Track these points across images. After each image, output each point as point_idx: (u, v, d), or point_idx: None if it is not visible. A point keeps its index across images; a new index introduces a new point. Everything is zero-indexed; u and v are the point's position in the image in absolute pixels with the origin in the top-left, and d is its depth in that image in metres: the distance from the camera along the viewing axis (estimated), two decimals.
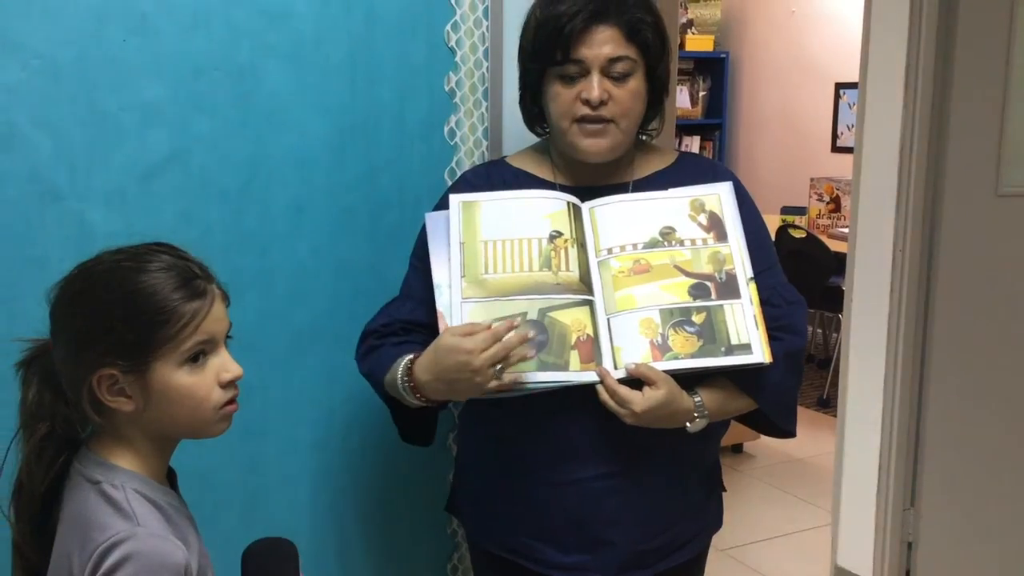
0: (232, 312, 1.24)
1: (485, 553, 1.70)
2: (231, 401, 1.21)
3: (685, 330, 1.50)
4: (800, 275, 5.26)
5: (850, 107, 6.03)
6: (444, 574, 2.05)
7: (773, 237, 5.29)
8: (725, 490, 1.78)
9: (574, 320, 1.51)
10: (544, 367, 1.47)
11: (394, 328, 1.61)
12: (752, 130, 6.94)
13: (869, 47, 2.64)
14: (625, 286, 1.53)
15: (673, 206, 1.59)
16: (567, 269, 1.54)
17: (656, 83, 1.61)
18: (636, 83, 1.57)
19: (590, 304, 1.53)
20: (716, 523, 1.75)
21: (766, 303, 1.57)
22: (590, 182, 1.64)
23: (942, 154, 2.60)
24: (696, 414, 1.52)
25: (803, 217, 5.65)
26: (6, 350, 1.23)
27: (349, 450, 1.90)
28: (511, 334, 1.43)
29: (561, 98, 1.57)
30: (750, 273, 1.54)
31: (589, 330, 1.51)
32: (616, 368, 1.49)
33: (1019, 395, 2.74)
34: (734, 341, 1.49)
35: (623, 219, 1.58)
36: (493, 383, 1.44)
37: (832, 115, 6.28)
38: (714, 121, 6.98)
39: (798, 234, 5.16)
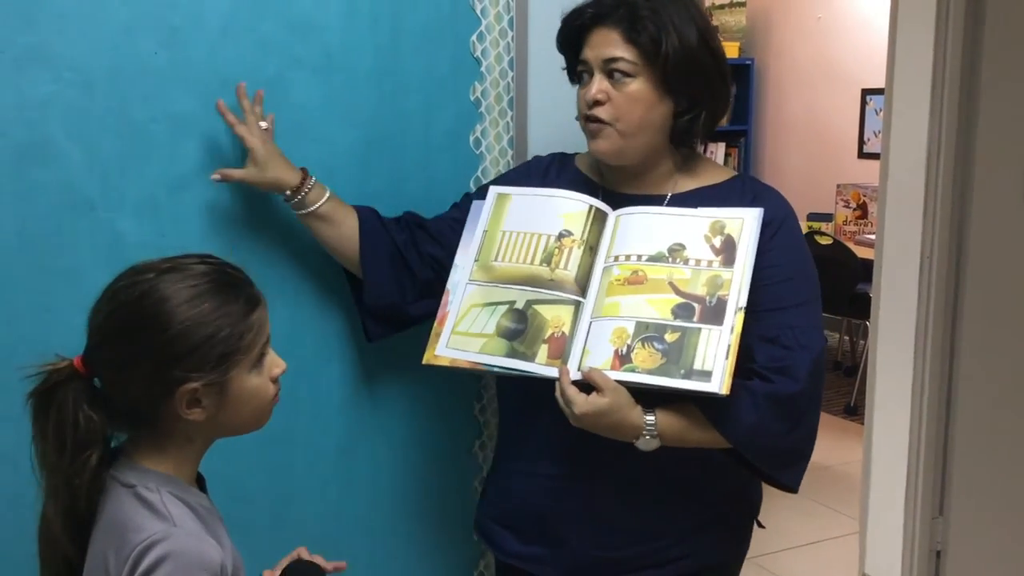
0: None
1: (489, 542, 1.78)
2: (277, 393, 1.27)
3: (653, 346, 1.48)
4: (827, 282, 5.21)
5: (876, 113, 6.00)
6: None
7: None
8: (763, 526, 1.73)
9: (554, 316, 1.54)
10: (512, 354, 1.52)
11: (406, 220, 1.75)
12: (778, 136, 6.92)
13: (895, 52, 2.63)
14: (615, 293, 1.54)
15: (693, 224, 1.57)
16: (564, 268, 1.57)
17: (678, 91, 1.56)
18: (638, 86, 1.55)
19: (577, 304, 1.55)
20: (716, 554, 1.68)
21: (774, 342, 1.52)
22: (632, 190, 1.65)
23: (970, 160, 2.59)
24: (646, 432, 1.48)
25: (830, 224, 5.63)
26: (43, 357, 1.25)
27: (376, 456, 1.91)
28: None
29: (577, 97, 1.62)
30: (743, 303, 1.48)
31: (565, 328, 1.53)
32: (579, 369, 1.50)
33: None
34: (696, 366, 1.45)
35: (641, 230, 1.58)
36: (462, 361, 1.52)
37: (859, 121, 6.25)
38: (739, 128, 6.96)
39: (825, 241, 5.14)
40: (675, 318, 1.50)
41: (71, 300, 1.57)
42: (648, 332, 1.49)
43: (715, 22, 6.84)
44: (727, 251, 1.53)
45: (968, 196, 2.60)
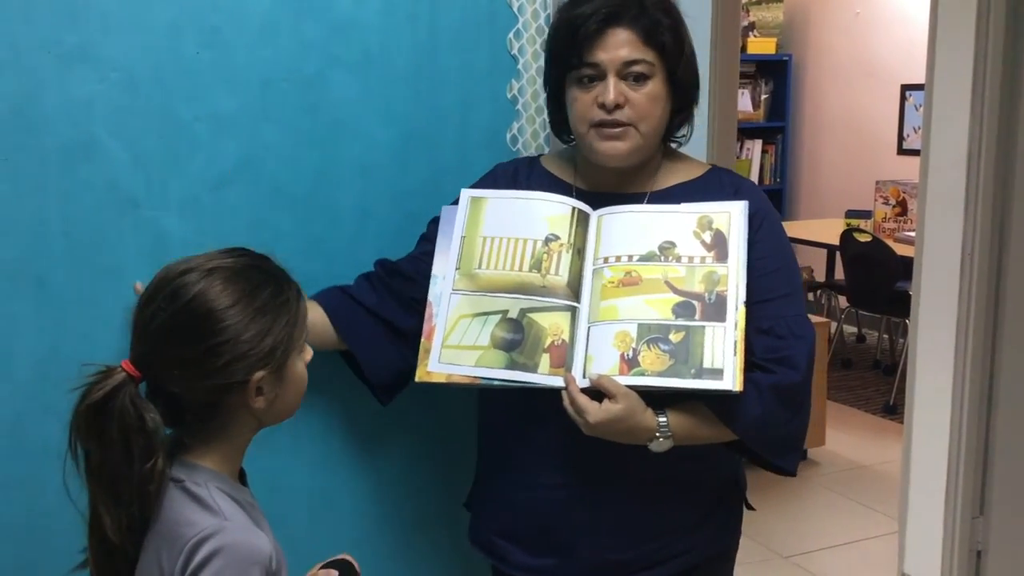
0: None
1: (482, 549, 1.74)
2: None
3: (659, 347, 1.47)
4: (866, 279, 5.21)
5: (916, 109, 5.94)
6: None
7: (837, 241, 5.23)
8: (752, 508, 1.74)
9: (552, 324, 1.51)
10: (513, 366, 1.49)
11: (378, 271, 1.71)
12: (816, 133, 6.87)
13: (935, 48, 2.60)
14: (611, 297, 1.52)
15: (680, 221, 1.55)
16: (556, 273, 1.54)
17: (679, 87, 1.59)
18: (654, 86, 1.55)
19: (573, 310, 1.53)
20: (717, 543, 1.68)
21: (769, 333, 1.53)
22: (609, 189, 1.63)
23: (1011, 155, 2.56)
24: (659, 434, 1.48)
25: (868, 221, 5.58)
26: (88, 354, 1.27)
27: (409, 450, 1.92)
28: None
29: (579, 102, 1.57)
30: (743, 298, 1.48)
31: (565, 335, 1.51)
32: (584, 376, 1.48)
33: None
34: (706, 365, 1.44)
35: (627, 230, 1.56)
36: (459, 376, 1.50)
37: (898, 117, 6.20)
38: (776, 124, 6.91)
39: (863, 238, 5.09)
40: (677, 317, 1.48)
41: (116, 297, 1.60)
42: (652, 334, 1.48)
43: (752, 18, 6.80)
44: (719, 246, 1.53)
45: (1010, 192, 2.57)
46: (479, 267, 1.56)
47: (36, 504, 1.59)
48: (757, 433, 1.53)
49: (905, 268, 4.18)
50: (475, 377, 1.51)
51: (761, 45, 6.76)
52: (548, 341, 1.50)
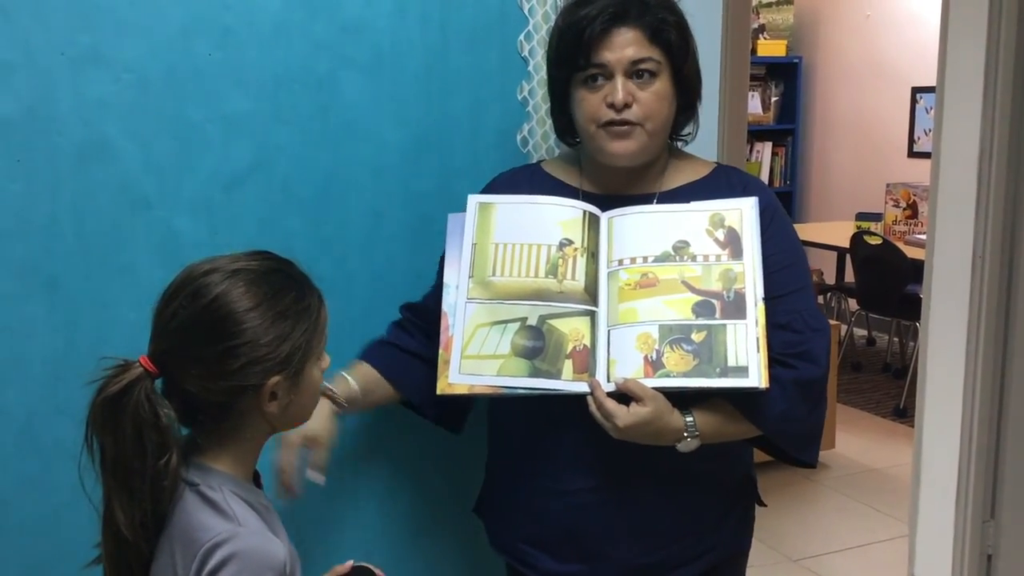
0: None
1: (503, 556, 1.73)
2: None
3: (682, 348, 1.47)
4: (876, 282, 5.20)
5: (927, 111, 5.93)
6: None
7: (848, 243, 5.22)
8: (764, 504, 1.75)
9: (572, 330, 1.51)
10: (536, 373, 1.49)
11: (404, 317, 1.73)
12: (826, 135, 6.85)
13: (946, 50, 2.60)
14: (629, 299, 1.52)
15: (692, 220, 1.55)
16: (572, 278, 1.54)
17: (685, 86, 1.59)
18: (661, 85, 1.55)
19: (591, 315, 1.52)
20: (736, 541, 1.69)
21: (787, 328, 1.53)
22: (617, 191, 1.63)
23: (1022, 158, 2.55)
24: (686, 434, 1.48)
25: (879, 223, 5.56)
26: (100, 354, 1.27)
27: (423, 453, 1.92)
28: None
29: (586, 103, 1.57)
30: (761, 294, 1.49)
31: (586, 340, 1.50)
32: (608, 381, 1.48)
33: None
34: (731, 363, 1.45)
35: (639, 231, 1.56)
36: (481, 387, 1.50)
37: (908, 119, 6.18)
38: (787, 126, 6.91)
39: (874, 241, 5.08)
40: (697, 317, 1.49)
41: (128, 297, 1.62)
42: (674, 334, 1.48)
43: (762, 20, 6.80)
44: (733, 244, 1.53)
45: (1021, 195, 2.56)
46: (493, 274, 1.55)
47: (49, 503, 1.60)
48: (781, 428, 1.54)
49: (916, 271, 4.17)
50: (498, 386, 1.50)
51: (771, 47, 6.76)
52: (570, 347, 1.50)
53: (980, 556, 2.70)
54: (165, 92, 1.62)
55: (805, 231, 5.66)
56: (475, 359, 1.51)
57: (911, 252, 4.87)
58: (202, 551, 1.13)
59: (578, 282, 1.54)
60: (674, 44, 1.55)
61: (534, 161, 1.94)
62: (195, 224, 1.66)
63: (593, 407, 1.47)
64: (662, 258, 1.53)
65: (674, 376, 1.46)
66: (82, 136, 1.58)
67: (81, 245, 1.60)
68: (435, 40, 1.82)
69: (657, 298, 1.51)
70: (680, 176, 1.65)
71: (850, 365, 5.69)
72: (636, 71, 1.54)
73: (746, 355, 1.45)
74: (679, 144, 1.70)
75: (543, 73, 1.92)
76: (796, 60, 6.80)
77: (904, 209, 5.48)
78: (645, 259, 1.54)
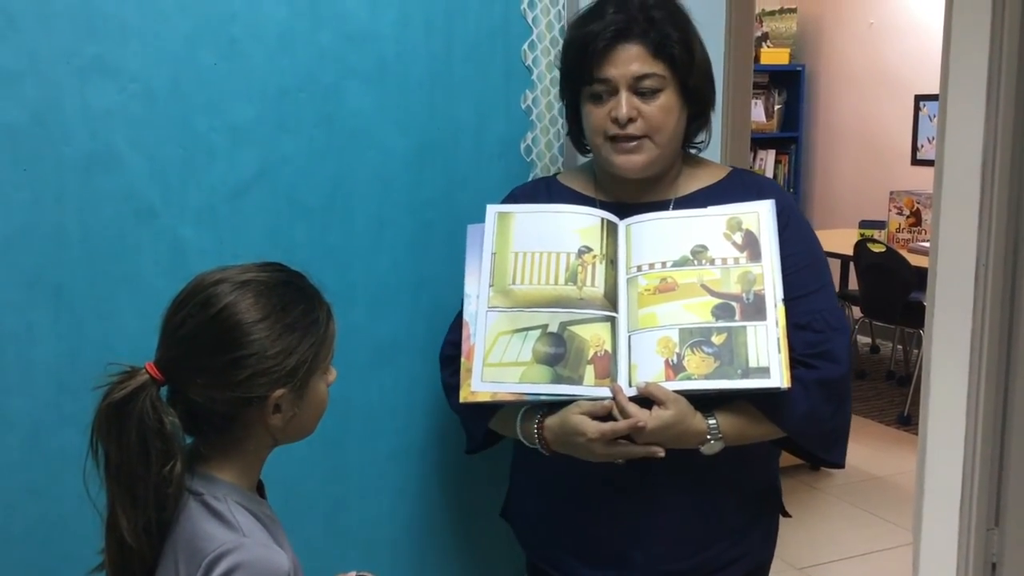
0: None
1: (531, 560, 1.75)
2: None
3: (703, 350, 1.48)
4: (880, 290, 5.19)
5: (930, 119, 5.93)
6: None
7: (851, 251, 5.22)
8: (789, 515, 1.75)
9: (593, 336, 1.51)
10: (558, 379, 1.49)
11: (455, 358, 1.64)
12: (830, 143, 6.86)
13: (950, 58, 2.60)
14: (649, 304, 1.53)
15: (709, 224, 1.56)
16: (592, 285, 1.55)
17: (694, 96, 1.60)
18: (667, 98, 1.56)
19: (612, 320, 1.53)
20: (763, 550, 1.69)
21: (807, 328, 1.54)
22: (631, 199, 1.64)
23: None
24: (709, 436, 1.49)
25: (882, 231, 5.56)
26: (105, 362, 1.28)
27: (428, 460, 1.93)
28: (623, 423, 1.46)
29: (593, 117, 1.59)
30: (780, 295, 1.50)
31: (607, 346, 1.51)
32: (630, 385, 1.49)
33: None
34: (752, 364, 1.46)
35: (657, 237, 1.57)
36: (504, 394, 1.50)
37: (912, 127, 6.18)
38: (790, 134, 6.91)
39: (877, 248, 5.08)
40: (717, 319, 1.49)
41: (133, 305, 1.62)
42: (694, 337, 1.49)
43: (766, 28, 6.80)
44: (751, 246, 1.54)
45: None
46: (513, 283, 1.56)
47: (55, 512, 1.61)
48: (805, 429, 1.55)
49: (919, 278, 4.16)
50: (520, 394, 1.51)
51: (774, 55, 6.76)
52: (591, 353, 1.51)
53: (984, 564, 2.69)
54: (171, 101, 1.63)
55: None
56: (497, 367, 1.52)
57: (915, 260, 4.86)
58: (206, 561, 1.13)
59: (597, 289, 1.55)
60: (678, 59, 1.56)
61: (537, 169, 1.95)
62: (200, 233, 1.67)
63: (616, 412, 1.47)
64: (680, 263, 1.54)
65: (696, 379, 1.47)
66: (88, 145, 1.58)
67: (87, 253, 1.60)
68: (439, 49, 1.83)
69: (676, 302, 1.52)
70: (695, 182, 1.66)
71: (854, 373, 5.68)
72: (640, 86, 1.55)
73: (767, 356, 1.46)
74: (692, 151, 1.71)
75: (546, 82, 1.93)
76: (799, 68, 6.81)
77: (908, 217, 5.48)
78: (663, 264, 1.55)
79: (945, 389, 2.68)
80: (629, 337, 1.52)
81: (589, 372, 1.50)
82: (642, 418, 1.45)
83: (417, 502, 1.93)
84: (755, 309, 1.49)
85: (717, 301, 1.51)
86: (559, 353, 1.51)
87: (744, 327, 1.48)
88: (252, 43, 1.68)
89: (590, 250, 1.57)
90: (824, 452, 1.61)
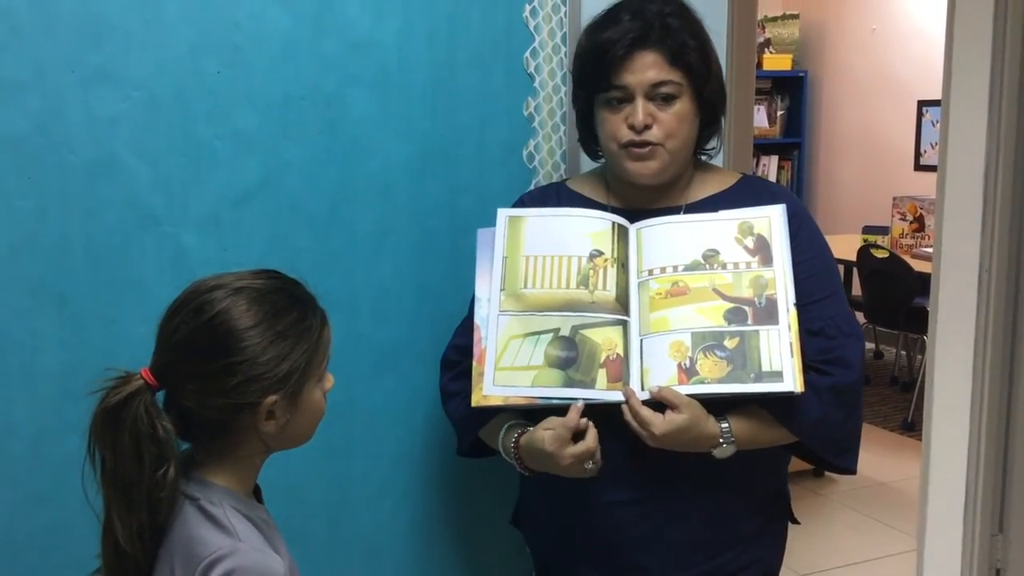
0: None
1: (543, 567, 1.74)
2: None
3: (715, 354, 1.48)
4: (883, 296, 5.19)
5: (933, 124, 5.93)
6: None
7: (854, 257, 5.22)
8: (798, 522, 1.74)
9: (605, 339, 1.51)
10: (570, 383, 1.49)
11: (457, 364, 1.66)
12: (832, 149, 6.86)
13: (952, 64, 2.60)
14: (660, 308, 1.53)
15: (721, 228, 1.57)
16: (603, 288, 1.55)
17: (707, 104, 1.61)
18: (682, 106, 1.57)
19: (624, 324, 1.53)
20: (773, 556, 1.69)
21: (819, 334, 1.54)
22: (643, 205, 1.64)
23: None
24: (722, 440, 1.49)
25: (886, 237, 5.56)
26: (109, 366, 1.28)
27: (431, 467, 1.93)
28: (589, 437, 1.47)
29: (608, 123, 1.59)
30: (793, 299, 1.50)
31: (619, 350, 1.51)
32: (643, 389, 1.48)
33: None
34: (765, 368, 1.46)
35: (668, 241, 1.57)
36: (516, 398, 1.50)
37: (915, 133, 6.18)
38: (793, 140, 6.91)
39: (880, 254, 5.07)
40: (729, 324, 1.50)
41: (136, 312, 1.63)
42: (707, 341, 1.49)
43: (768, 34, 6.81)
44: (762, 250, 1.54)
45: None
46: (525, 287, 1.56)
47: (58, 518, 1.61)
48: (818, 434, 1.55)
49: (923, 284, 4.17)
50: (533, 397, 1.51)
51: (777, 61, 6.77)
52: (603, 356, 1.51)
53: (989, 570, 2.68)
54: (174, 110, 1.63)
55: None
56: (509, 371, 1.52)
57: (918, 265, 4.86)
58: (202, 566, 1.13)
59: (609, 292, 1.55)
60: (695, 67, 1.56)
61: (540, 176, 1.95)
62: (203, 240, 1.67)
63: (628, 416, 1.47)
64: (692, 267, 1.55)
65: (709, 382, 1.47)
66: (92, 153, 1.59)
67: (90, 261, 1.61)
68: (442, 57, 1.83)
69: (688, 306, 1.52)
70: (706, 188, 1.67)
71: None
72: (656, 93, 1.55)
73: (780, 360, 1.46)
74: (703, 158, 1.71)
75: (548, 89, 1.94)
76: (802, 74, 6.81)
77: (911, 222, 5.48)
78: (675, 268, 1.55)
79: (949, 394, 2.68)
80: (641, 341, 1.52)
81: (601, 376, 1.50)
82: (655, 422, 1.45)
83: (420, 508, 1.93)
84: (767, 313, 1.49)
85: (729, 305, 1.51)
86: (571, 357, 1.51)
87: (757, 331, 1.48)
88: (255, 51, 1.68)
89: (601, 254, 1.57)
90: (836, 458, 1.61)
